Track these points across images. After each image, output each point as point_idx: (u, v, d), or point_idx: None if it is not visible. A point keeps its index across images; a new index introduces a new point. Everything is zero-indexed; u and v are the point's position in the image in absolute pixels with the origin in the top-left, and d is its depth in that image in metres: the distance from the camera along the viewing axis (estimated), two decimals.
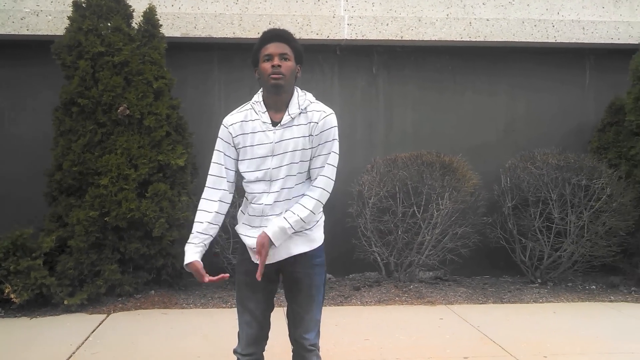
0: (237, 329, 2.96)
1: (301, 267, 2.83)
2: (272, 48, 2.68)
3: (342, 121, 6.74)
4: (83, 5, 5.91)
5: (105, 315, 5.35)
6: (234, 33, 6.68)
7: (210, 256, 6.22)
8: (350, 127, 6.84)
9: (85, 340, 4.69)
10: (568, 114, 7.26)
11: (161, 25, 6.14)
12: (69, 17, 5.93)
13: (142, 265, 5.79)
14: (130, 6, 6.09)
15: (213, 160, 2.80)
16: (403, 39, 6.84)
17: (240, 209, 2.95)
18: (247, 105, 2.81)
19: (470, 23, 6.89)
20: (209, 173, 2.81)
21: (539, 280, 6.47)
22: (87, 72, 5.69)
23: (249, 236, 2.79)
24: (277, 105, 2.74)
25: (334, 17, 6.78)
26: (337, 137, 2.77)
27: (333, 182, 2.79)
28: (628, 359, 4.39)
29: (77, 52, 5.76)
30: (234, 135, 2.76)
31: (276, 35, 2.74)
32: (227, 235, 6.07)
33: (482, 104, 7.19)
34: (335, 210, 6.41)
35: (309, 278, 2.84)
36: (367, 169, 6.46)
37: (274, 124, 2.72)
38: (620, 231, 6.06)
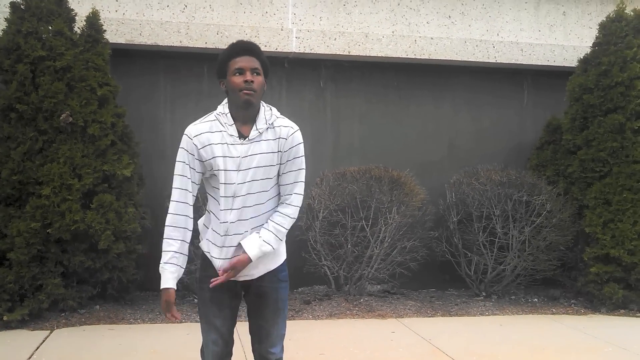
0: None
1: (267, 281, 2.79)
2: (244, 62, 2.62)
3: None
4: (22, 7, 5.62)
5: (49, 331, 5.06)
6: (180, 42, 6.54)
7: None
8: None
9: (29, 358, 4.41)
10: (508, 131, 7.51)
11: (105, 30, 5.94)
12: (6, 19, 5.62)
13: (86, 279, 5.52)
14: (73, 10, 5.85)
15: (177, 172, 2.66)
16: (350, 54, 6.90)
17: (202, 222, 2.85)
18: (211, 116, 2.69)
19: (415, 41, 7.03)
20: (174, 186, 2.67)
21: (484, 294, 6.62)
22: (27, 76, 5.42)
23: (215, 257, 2.72)
24: (244, 118, 2.66)
25: (282, 30, 6.76)
26: (304, 153, 2.75)
27: (302, 197, 2.79)
28: None
29: (16, 56, 5.47)
30: (199, 147, 2.62)
31: (248, 49, 2.67)
32: None
33: (427, 120, 7.34)
34: None
35: (275, 292, 2.81)
36: (316, 182, 6.44)
37: (241, 136, 2.64)
38: (561, 246, 6.29)
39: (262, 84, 2.65)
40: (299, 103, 7.00)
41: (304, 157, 2.74)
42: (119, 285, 5.68)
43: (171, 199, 2.68)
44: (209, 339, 2.81)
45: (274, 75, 6.97)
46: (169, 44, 6.53)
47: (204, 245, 2.78)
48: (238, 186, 2.62)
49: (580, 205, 6.43)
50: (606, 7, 7.61)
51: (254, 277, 2.75)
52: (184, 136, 2.66)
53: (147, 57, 6.67)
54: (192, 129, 2.65)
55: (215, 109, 2.71)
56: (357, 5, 7.08)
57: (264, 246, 2.65)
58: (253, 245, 2.64)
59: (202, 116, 2.72)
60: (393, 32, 7.12)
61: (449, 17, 7.30)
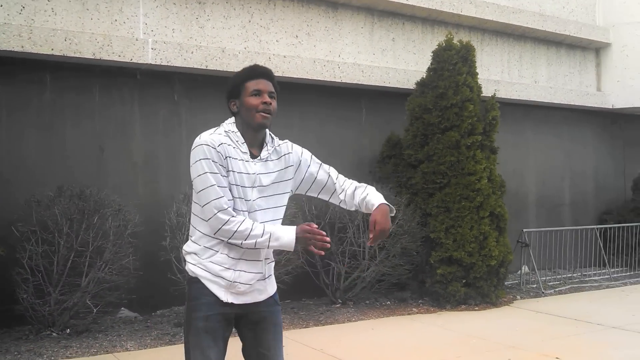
0: None
1: (265, 305, 2.72)
2: (263, 85, 2.66)
3: (144, 149, 6.51)
4: None
5: None
6: (22, 47, 5.88)
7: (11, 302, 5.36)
8: (153, 156, 6.53)
9: None
10: (350, 147, 8.00)
11: None
12: None
13: None
14: None
15: (207, 185, 2.48)
16: (208, 68, 6.81)
17: (199, 245, 2.61)
18: (220, 130, 2.64)
19: (269, 58, 7.17)
20: (207, 185, 2.48)
21: (340, 301, 6.96)
22: None
23: (227, 268, 2.56)
24: (253, 140, 2.68)
25: (137, 40, 6.43)
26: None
27: None
28: None
29: None
30: (224, 156, 2.55)
31: (266, 73, 2.72)
32: (33, 277, 5.29)
33: (278, 137, 7.47)
34: (146, 242, 6.02)
35: (273, 316, 2.74)
36: (181, 199, 6.22)
37: (252, 156, 2.65)
38: (413, 251, 6.87)
39: (275, 108, 2.68)
40: (153, 118, 6.69)
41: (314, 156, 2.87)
42: None
43: (209, 198, 2.48)
44: None
45: (125, 87, 6.60)
46: (7, 49, 5.84)
47: (207, 265, 2.58)
48: (254, 202, 2.61)
49: (424, 214, 7.10)
50: (427, 36, 8.53)
51: (262, 299, 2.67)
52: (204, 147, 2.52)
53: None
54: (213, 138, 2.55)
55: (220, 126, 2.69)
56: (210, 19, 7.02)
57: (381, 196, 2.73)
58: (376, 195, 2.74)
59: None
60: (245, 47, 7.19)
61: (297, 36, 7.57)
